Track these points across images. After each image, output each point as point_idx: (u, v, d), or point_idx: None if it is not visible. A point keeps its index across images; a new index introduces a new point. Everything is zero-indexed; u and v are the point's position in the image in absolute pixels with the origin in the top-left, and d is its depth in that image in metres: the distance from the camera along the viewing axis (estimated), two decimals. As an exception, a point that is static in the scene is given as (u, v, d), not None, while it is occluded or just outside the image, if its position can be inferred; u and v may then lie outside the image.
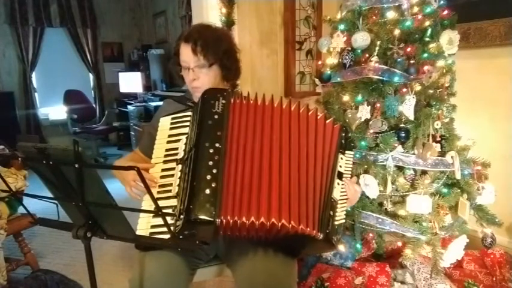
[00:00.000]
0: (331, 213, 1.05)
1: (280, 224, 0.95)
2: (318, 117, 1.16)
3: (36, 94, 5.17)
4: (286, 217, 0.96)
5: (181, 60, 1.24)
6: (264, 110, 1.11)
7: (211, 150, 1.01)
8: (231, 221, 0.94)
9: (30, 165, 0.95)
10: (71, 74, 5.46)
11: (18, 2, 4.77)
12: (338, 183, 1.11)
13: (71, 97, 4.96)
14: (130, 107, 5.00)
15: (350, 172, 1.19)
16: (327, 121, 1.16)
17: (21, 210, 1.96)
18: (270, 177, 1.01)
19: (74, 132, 4.80)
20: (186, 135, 1.12)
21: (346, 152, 1.18)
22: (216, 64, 1.22)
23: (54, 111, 5.35)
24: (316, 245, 1.09)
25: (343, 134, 1.18)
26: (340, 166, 1.13)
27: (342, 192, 1.11)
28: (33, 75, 5.13)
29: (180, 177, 1.04)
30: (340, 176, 1.13)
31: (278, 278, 1.10)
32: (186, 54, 1.20)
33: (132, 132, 4.95)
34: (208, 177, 0.97)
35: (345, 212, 1.11)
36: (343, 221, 1.09)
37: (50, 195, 0.90)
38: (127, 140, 5.30)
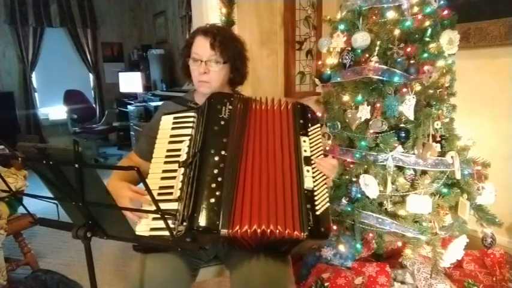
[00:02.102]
0: (309, 206, 1.00)
1: (277, 231, 0.95)
2: (282, 108, 1.16)
3: (36, 94, 5.16)
4: (281, 223, 0.96)
5: (193, 52, 1.22)
6: (261, 115, 1.14)
7: (216, 158, 1.01)
8: (233, 230, 0.94)
9: (30, 165, 0.95)
10: (71, 74, 5.45)
11: (18, 2, 4.76)
12: (308, 171, 1.06)
13: (71, 97, 4.95)
14: (130, 107, 5.00)
15: (321, 148, 1.13)
16: (281, 108, 1.16)
17: (21, 210, 1.95)
18: (262, 184, 1.02)
19: (74, 132, 4.80)
20: (189, 137, 1.11)
21: (310, 129, 1.14)
22: (228, 63, 1.22)
23: (54, 111, 5.34)
24: (306, 242, 1.06)
25: (300, 113, 1.15)
26: (305, 151, 1.09)
27: (315, 177, 1.06)
28: (33, 75, 5.13)
29: (182, 181, 1.03)
30: (308, 161, 1.08)
31: (275, 280, 1.09)
32: (203, 47, 1.19)
33: (132, 132, 4.95)
34: (213, 185, 0.97)
35: (327, 195, 1.05)
36: (328, 204, 1.04)
37: (50, 195, 0.90)
38: (127, 140, 5.30)
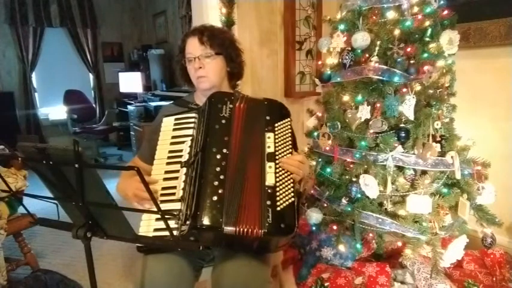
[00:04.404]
0: (269, 202, 0.99)
1: (240, 229, 0.96)
2: (254, 105, 1.17)
3: (36, 94, 5.16)
4: (245, 221, 0.97)
5: (187, 53, 1.25)
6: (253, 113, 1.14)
7: (218, 156, 1.02)
8: (236, 228, 0.95)
9: (30, 165, 0.95)
10: (71, 74, 5.45)
11: (18, 2, 4.76)
12: (270, 167, 1.05)
13: (71, 97, 4.95)
14: (130, 107, 5.00)
15: (289, 143, 1.12)
16: (254, 105, 1.17)
17: (21, 210, 1.96)
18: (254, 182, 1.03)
19: (74, 132, 4.80)
20: (191, 138, 1.11)
21: (276, 125, 1.13)
22: (221, 55, 1.24)
23: (54, 111, 5.34)
24: (275, 238, 1.04)
25: (267, 110, 1.15)
26: (269, 147, 1.08)
27: (278, 173, 1.05)
28: (33, 75, 5.13)
29: (185, 181, 1.03)
30: (271, 157, 1.06)
31: (247, 280, 1.08)
32: (193, 44, 1.23)
33: (132, 132, 4.94)
34: (216, 183, 0.98)
35: (291, 190, 1.03)
36: (291, 200, 1.02)
37: (50, 195, 0.90)
38: (127, 140, 5.30)
